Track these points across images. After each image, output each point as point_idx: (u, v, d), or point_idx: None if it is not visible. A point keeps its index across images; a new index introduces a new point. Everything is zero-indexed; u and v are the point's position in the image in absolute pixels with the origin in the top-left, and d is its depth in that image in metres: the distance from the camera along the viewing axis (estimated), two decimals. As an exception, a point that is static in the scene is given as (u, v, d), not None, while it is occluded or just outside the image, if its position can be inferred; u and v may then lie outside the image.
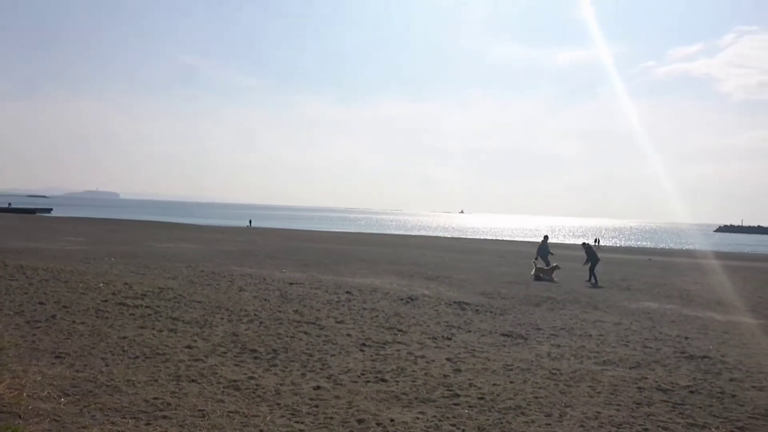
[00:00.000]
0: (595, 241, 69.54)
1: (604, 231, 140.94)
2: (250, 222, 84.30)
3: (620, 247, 71.71)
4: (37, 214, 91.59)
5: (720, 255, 56.32)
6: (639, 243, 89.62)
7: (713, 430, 5.84)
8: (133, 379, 6.46)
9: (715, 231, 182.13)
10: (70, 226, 50.37)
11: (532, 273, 21.78)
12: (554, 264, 22.57)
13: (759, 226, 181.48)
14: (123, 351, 7.62)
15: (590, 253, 22.72)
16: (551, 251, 25.10)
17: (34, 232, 36.97)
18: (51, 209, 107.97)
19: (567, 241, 78.23)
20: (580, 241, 71.03)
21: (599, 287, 19.66)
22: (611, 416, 6.07)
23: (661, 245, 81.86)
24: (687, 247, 77.92)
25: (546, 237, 26.36)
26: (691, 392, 7.15)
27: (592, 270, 21.78)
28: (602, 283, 20.53)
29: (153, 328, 9.06)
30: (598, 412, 6.16)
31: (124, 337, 8.34)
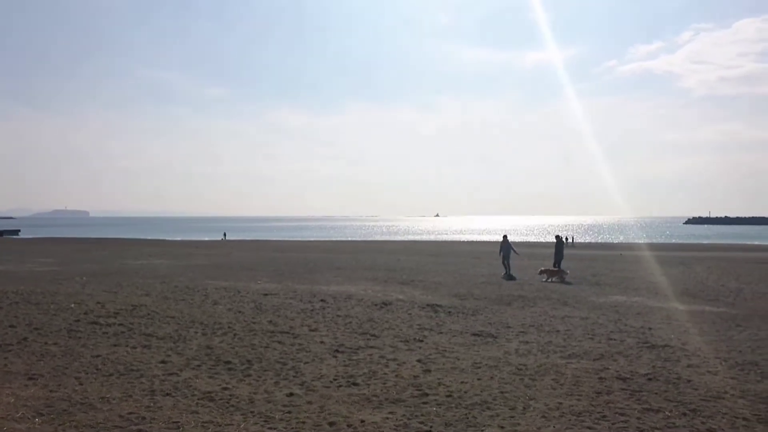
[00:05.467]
0: (566, 239, 70.57)
1: (575, 228, 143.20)
2: (225, 234, 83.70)
3: (592, 243, 73.01)
4: (4, 236, 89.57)
5: (687, 247, 57.81)
6: (610, 238, 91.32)
7: (667, 413, 6.17)
8: (108, 396, 6.55)
9: (684, 223, 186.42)
10: (39, 246, 49.47)
11: (546, 279, 21.20)
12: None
13: (726, 217, 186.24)
14: (97, 369, 7.68)
15: (558, 247, 23.45)
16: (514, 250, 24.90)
17: (2, 254, 36.25)
18: (18, 231, 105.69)
19: (543, 239, 79.40)
20: (553, 239, 72.22)
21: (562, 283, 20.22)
22: (572, 406, 6.37)
23: (632, 239, 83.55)
24: (656, 240, 79.72)
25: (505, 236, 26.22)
26: (649, 379, 7.51)
27: (556, 264, 22.63)
28: (573, 280, 20.98)
29: (127, 346, 9.12)
30: (560, 403, 6.46)
31: (98, 356, 8.39)
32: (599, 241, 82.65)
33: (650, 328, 11.44)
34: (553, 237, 30.26)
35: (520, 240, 73.95)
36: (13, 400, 6.26)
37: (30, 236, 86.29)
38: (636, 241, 78.45)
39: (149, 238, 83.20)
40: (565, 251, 25.39)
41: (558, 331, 11.11)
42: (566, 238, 72.04)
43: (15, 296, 13.94)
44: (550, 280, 21.07)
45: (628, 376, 7.62)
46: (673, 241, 78.69)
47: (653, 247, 56.62)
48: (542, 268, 22.48)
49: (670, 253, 41.92)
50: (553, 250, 24.99)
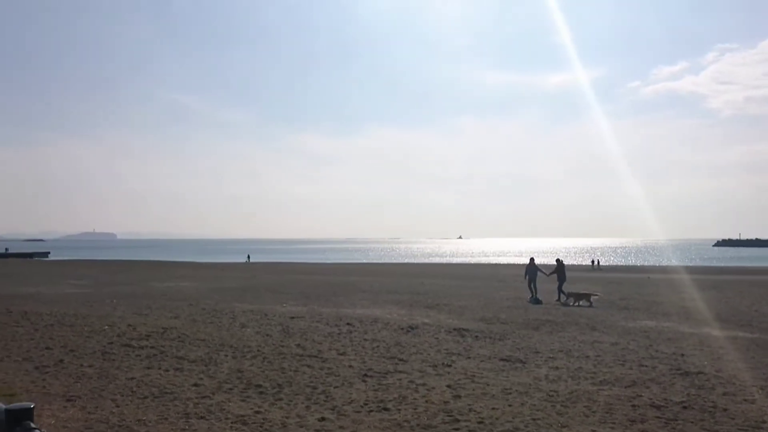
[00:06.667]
0: (592, 262, 69.64)
1: (603, 250, 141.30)
2: (249, 257, 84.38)
3: (619, 266, 71.96)
4: (35, 258, 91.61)
5: (717, 270, 56.59)
6: (637, 261, 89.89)
7: (704, 443, 6.07)
8: (144, 418, 6.67)
9: (714, 245, 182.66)
10: (69, 269, 50.46)
11: (572, 302, 21.17)
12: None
13: (757, 239, 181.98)
14: (132, 392, 7.83)
15: (560, 270, 23.45)
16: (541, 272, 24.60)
17: (34, 276, 37.08)
18: (48, 253, 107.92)
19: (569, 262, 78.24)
20: (588, 261, 71.34)
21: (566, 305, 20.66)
22: (606, 434, 6.30)
23: (660, 262, 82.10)
24: (685, 263, 78.20)
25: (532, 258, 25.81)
26: (684, 408, 7.39)
27: (559, 288, 22.69)
28: (600, 304, 20.72)
29: (159, 368, 9.27)
30: (594, 431, 6.40)
31: (132, 378, 8.55)
32: (626, 263, 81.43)
33: (683, 355, 11.25)
34: (585, 260, 30.13)
35: (542, 262, 73.06)
36: (53, 421, 6.42)
37: (59, 258, 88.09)
38: (664, 263, 77.08)
39: (175, 260, 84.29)
40: (593, 275, 25.27)
41: (588, 356, 10.99)
42: (592, 261, 71.15)
43: (50, 318, 14.27)
44: (577, 303, 20.90)
45: (663, 404, 7.51)
46: (703, 263, 77.11)
47: (682, 270, 55.58)
48: (568, 292, 22.28)
49: (699, 277, 41.10)
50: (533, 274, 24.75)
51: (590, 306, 20.28)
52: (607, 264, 73.62)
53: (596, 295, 21.64)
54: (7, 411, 1.72)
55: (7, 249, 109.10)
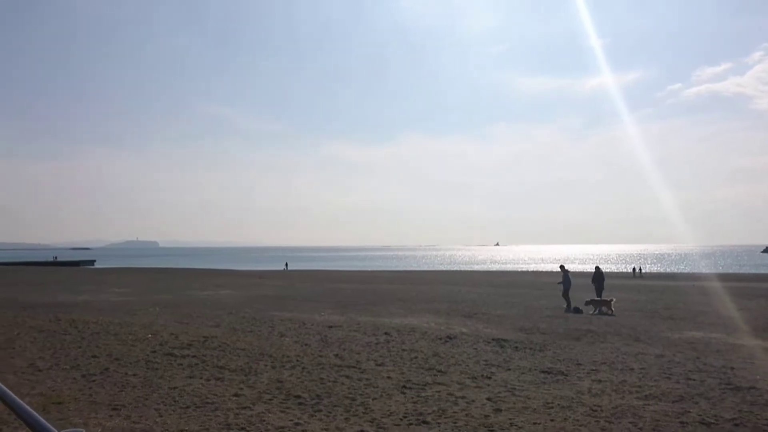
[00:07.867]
0: (634, 269, 68.04)
1: (645, 257, 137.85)
2: (287, 265, 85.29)
3: (662, 273, 70.07)
4: (82, 266, 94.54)
5: (766, 277, 54.46)
6: (681, 268, 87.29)
7: (759, 463, 5.82)
8: (186, 429, 6.76)
9: (762, 252, 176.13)
10: (113, 277, 51.85)
11: (594, 311, 20.99)
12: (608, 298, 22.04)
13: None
14: (174, 401, 7.95)
15: (599, 278, 23.18)
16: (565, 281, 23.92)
17: (80, 284, 38.20)
18: (94, 261, 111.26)
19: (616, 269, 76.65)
20: (628, 268, 69.93)
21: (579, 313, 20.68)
22: (654, 452, 6.09)
23: (705, 269, 79.58)
24: (732, 270, 75.58)
25: (562, 266, 25.04)
26: (736, 425, 7.10)
27: (598, 296, 22.46)
28: (644, 312, 20.21)
29: (201, 378, 9.40)
30: (641, 449, 6.20)
31: (175, 387, 8.69)
32: (669, 270, 79.23)
33: (732, 368, 10.84)
34: (626, 267, 29.67)
35: (579, 269, 71.67)
36: (100, 430, 6.57)
37: (105, 266, 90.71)
38: (709, 271, 74.66)
39: (214, 268, 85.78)
40: (634, 282, 24.83)
41: (632, 369, 10.69)
42: (633, 269, 69.48)
43: (96, 326, 14.65)
44: (597, 311, 20.59)
45: (713, 421, 7.23)
46: (751, 271, 74.35)
47: (728, 277, 53.70)
48: (587, 300, 21.87)
49: (747, 284, 39.67)
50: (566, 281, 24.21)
51: (612, 314, 19.94)
52: (649, 271, 71.74)
53: (612, 299, 21.42)
54: None
55: (55, 257, 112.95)
